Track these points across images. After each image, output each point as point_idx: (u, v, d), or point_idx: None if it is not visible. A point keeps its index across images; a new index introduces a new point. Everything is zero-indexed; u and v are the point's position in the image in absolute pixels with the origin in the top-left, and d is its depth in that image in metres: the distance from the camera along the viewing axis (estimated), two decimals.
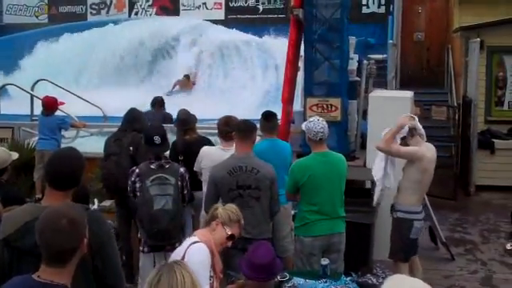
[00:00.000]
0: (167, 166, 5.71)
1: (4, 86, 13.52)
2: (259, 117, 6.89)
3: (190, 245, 4.07)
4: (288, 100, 9.09)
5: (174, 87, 20.22)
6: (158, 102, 10.29)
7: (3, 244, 3.18)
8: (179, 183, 5.67)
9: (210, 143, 7.14)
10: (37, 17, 25.47)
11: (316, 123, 5.74)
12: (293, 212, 6.71)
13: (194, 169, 6.52)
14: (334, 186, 5.74)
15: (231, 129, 6.23)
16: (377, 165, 6.42)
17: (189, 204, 6.28)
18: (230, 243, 4.32)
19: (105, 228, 3.37)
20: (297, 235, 5.88)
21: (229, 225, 4.28)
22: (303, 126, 5.93)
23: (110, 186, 6.95)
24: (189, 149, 7.01)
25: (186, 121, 7.47)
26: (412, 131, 6.15)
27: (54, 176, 3.37)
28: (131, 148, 6.54)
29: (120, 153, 6.85)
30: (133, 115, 7.22)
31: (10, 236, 3.16)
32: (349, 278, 4.92)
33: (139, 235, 5.78)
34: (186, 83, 20.34)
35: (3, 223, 3.25)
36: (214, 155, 6.31)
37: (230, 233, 4.26)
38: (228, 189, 5.54)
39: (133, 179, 5.72)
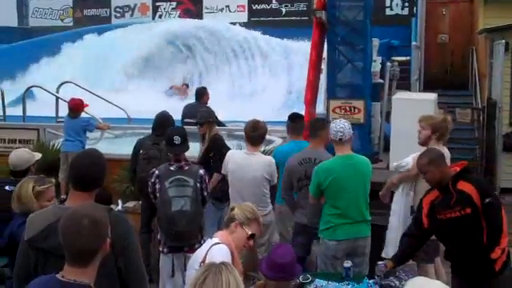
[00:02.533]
0: (186, 168, 5.73)
1: (30, 88, 13.65)
2: (282, 118, 6.91)
3: (212, 246, 4.08)
4: (311, 102, 9.10)
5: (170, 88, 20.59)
6: (200, 94, 10.11)
7: (28, 245, 3.23)
8: (198, 185, 5.69)
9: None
10: (62, 20, 25.77)
11: (337, 124, 5.72)
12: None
13: (221, 171, 6.54)
14: (358, 189, 5.69)
15: (258, 134, 6.29)
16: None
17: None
18: (251, 242, 4.32)
19: (128, 229, 3.40)
20: (321, 238, 5.86)
21: (247, 224, 4.29)
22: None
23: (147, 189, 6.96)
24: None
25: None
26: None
27: (76, 177, 3.42)
28: (169, 154, 6.58)
29: (160, 157, 6.91)
30: (166, 119, 7.32)
31: (34, 237, 3.20)
32: (372, 281, 4.89)
33: (159, 236, 5.81)
34: (182, 90, 20.60)
35: (27, 225, 3.29)
36: (238, 159, 6.34)
37: (249, 232, 4.27)
38: (298, 178, 6.09)
39: (153, 180, 5.76)
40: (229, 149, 7.03)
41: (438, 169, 4.89)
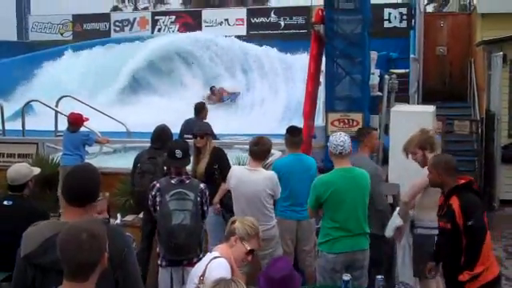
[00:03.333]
0: (187, 182, 5.74)
1: (29, 102, 13.67)
2: (280, 131, 6.92)
3: (211, 260, 4.07)
4: (309, 115, 9.12)
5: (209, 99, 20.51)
6: (199, 109, 10.06)
7: (25, 261, 3.20)
8: (199, 199, 5.69)
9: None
10: (61, 34, 25.87)
11: (337, 137, 5.72)
12: (316, 227, 6.71)
13: (226, 186, 6.56)
14: (357, 202, 5.69)
15: (260, 149, 6.33)
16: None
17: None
18: (250, 258, 4.31)
19: (125, 242, 3.38)
20: (320, 251, 5.86)
21: (247, 239, 4.28)
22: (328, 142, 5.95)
23: (143, 203, 6.97)
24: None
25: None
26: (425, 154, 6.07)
27: (70, 192, 3.39)
28: (165, 167, 6.55)
29: (155, 172, 6.90)
30: (164, 133, 7.30)
31: (31, 253, 3.18)
32: None
33: (157, 249, 5.81)
34: (212, 97, 20.52)
35: (24, 241, 3.26)
36: (240, 174, 6.35)
37: (249, 248, 4.26)
38: None
39: (153, 193, 5.76)
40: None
41: (438, 174, 4.95)
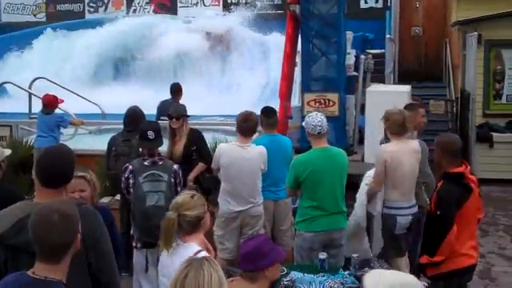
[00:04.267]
0: (160, 163, 5.71)
1: (2, 84, 13.50)
2: (256, 112, 6.88)
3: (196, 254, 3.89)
4: (285, 95, 9.11)
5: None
6: (176, 90, 10.01)
7: None
8: (172, 180, 5.66)
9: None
10: (35, 15, 25.44)
11: (314, 117, 5.72)
12: (293, 206, 6.73)
13: (212, 166, 6.47)
14: (334, 181, 5.70)
15: (249, 125, 6.29)
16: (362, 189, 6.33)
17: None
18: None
19: (98, 223, 3.36)
20: (298, 230, 5.87)
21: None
22: (303, 123, 5.92)
23: (119, 185, 6.91)
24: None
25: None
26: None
27: (44, 174, 3.35)
28: (140, 149, 6.50)
29: (130, 153, 6.85)
30: (137, 115, 7.22)
31: (3, 234, 3.14)
32: (346, 272, 4.91)
33: (131, 231, 5.77)
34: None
35: None
36: (232, 152, 6.28)
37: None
38: None
39: (126, 175, 5.71)
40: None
41: (438, 153, 4.94)
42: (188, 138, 7.01)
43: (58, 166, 3.36)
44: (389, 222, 5.97)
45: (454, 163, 4.88)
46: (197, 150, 6.97)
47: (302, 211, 5.78)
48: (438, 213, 4.75)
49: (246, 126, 6.29)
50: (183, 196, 3.96)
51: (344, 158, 5.86)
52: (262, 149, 6.34)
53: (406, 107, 6.59)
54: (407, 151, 6.01)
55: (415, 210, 6.06)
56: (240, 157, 6.17)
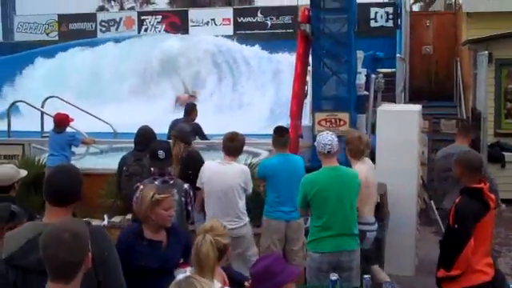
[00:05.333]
0: (171, 182, 5.70)
1: (14, 103, 13.59)
2: (268, 131, 6.91)
3: None
4: (296, 114, 9.12)
5: (176, 102, 20.47)
6: (189, 110, 10.03)
7: (6, 263, 3.18)
8: (183, 199, 5.66)
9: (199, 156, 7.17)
10: (47, 34, 25.69)
11: (324, 136, 5.73)
12: (305, 226, 6.73)
13: (197, 184, 6.41)
14: (343, 202, 5.65)
15: (234, 145, 6.34)
16: None
17: None
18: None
19: (107, 242, 3.38)
20: (308, 250, 5.86)
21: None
22: (315, 143, 5.96)
23: (130, 205, 6.89)
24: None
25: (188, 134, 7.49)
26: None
27: (52, 193, 3.39)
28: (152, 169, 6.52)
29: (142, 173, 6.84)
30: (148, 134, 7.22)
31: (12, 255, 3.16)
32: None
33: None
34: (187, 100, 20.49)
35: (5, 242, 3.24)
36: (213, 168, 6.33)
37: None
38: (442, 169, 6.97)
39: (137, 195, 5.72)
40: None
41: (459, 170, 4.98)
42: (183, 162, 6.94)
43: (66, 185, 3.40)
44: (360, 237, 5.95)
45: (474, 180, 4.91)
46: (192, 173, 6.71)
47: (312, 231, 5.77)
48: (456, 227, 4.75)
49: (231, 145, 6.36)
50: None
51: (354, 178, 5.83)
52: (244, 167, 6.41)
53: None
54: (372, 169, 6.38)
55: (376, 225, 6.36)
56: (220, 172, 6.18)
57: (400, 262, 7.32)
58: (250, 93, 20.72)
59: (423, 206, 9.01)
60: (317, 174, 5.78)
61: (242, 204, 6.29)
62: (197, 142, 9.78)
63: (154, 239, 4.41)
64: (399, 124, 7.36)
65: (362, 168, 6.21)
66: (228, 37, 22.44)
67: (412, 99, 14.23)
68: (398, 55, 14.14)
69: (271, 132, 6.99)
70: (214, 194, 6.23)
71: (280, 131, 6.79)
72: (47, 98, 13.32)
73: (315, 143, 5.86)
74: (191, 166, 6.84)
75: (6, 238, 3.27)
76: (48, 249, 2.74)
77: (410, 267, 7.57)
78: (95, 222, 8.09)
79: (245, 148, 8.80)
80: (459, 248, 4.73)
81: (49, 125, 10.55)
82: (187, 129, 7.68)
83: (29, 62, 22.81)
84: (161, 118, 11.54)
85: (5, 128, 12.36)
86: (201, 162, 6.84)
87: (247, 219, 6.35)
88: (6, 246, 3.21)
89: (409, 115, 8.00)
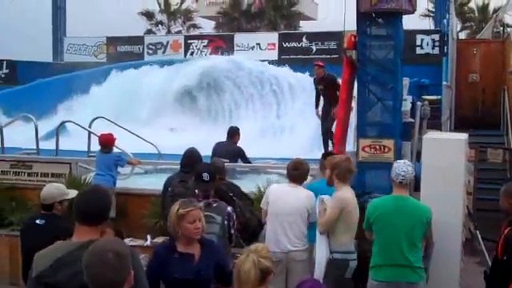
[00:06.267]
0: (214, 205, 5.75)
1: (63, 122, 13.89)
2: (311, 156, 6.94)
3: None
4: (340, 140, 9.09)
5: None
6: (232, 133, 10.23)
7: (36, 281, 3.27)
8: (226, 222, 5.70)
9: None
10: (96, 56, 26.28)
11: (401, 166, 5.78)
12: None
13: (261, 205, 6.58)
14: (401, 233, 5.62)
15: (299, 173, 6.44)
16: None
17: None
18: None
19: (138, 261, 3.50)
20: (369, 276, 5.86)
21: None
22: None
23: None
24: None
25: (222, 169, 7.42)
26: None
27: (80, 212, 3.52)
28: (196, 191, 6.58)
29: (186, 194, 6.89)
30: (194, 156, 7.30)
31: (42, 273, 3.26)
32: None
33: None
34: None
35: (35, 261, 3.35)
36: (280, 190, 6.48)
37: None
38: None
39: None
40: (235, 194, 6.89)
41: (505, 200, 5.03)
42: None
43: (94, 206, 3.54)
44: (341, 265, 5.92)
45: None
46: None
47: (373, 256, 5.80)
48: (505, 258, 4.69)
49: (295, 173, 6.46)
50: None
51: (421, 211, 5.80)
52: (311, 193, 6.40)
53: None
54: (354, 197, 6.22)
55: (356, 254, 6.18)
56: (287, 195, 6.31)
57: None
58: (293, 117, 20.73)
59: (468, 235, 8.85)
60: (383, 199, 5.88)
61: (304, 228, 6.34)
62: (239, 165, 9.86)
63: (185, 252, 4.53)
64: (445, 152, 7.27)
65: (344, 195, 6.10)
66: (273, 62, 22.56)
67: (457, 127, 14.07)
68: (444, 83, 14.00)
69: (314, 157, 7.02)
70: (279, 215, 6.30)
71: (327, 156, 6.81)
72: (94, 119, 13.57)
73: (391, 169, 5.90)
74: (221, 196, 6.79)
75: (37, 257, 3.39)
76: (92, 268, 2.81)
77: None
78: (138, 242, 8.22)
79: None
80: (508, 279, 4.66)
81: (95, 145, 10.75)
82: (221, 164, 7.62)
83: (78, 82, 23.28)
84: (205, 140, 11.63)
85: (53, 147, 12.62)
86: (227, 195, 6.79)
87: (308, 245, 6.39)
88: (37, 265, 3.32)
89: (455, 143, 7.89)
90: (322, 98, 12.45)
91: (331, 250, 6.10)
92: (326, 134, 12.02)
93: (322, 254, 6.03)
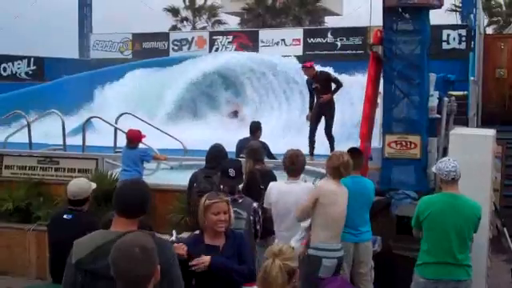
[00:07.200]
0: (240, 201, 5.78)
1: (90, 118, 13.99)
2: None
3: None
4: (366, 136, 9.04)
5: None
6: (254, 129, 10.22)
7: (75, 268, 3.31)
8: (251, 218, 5.72)
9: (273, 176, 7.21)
10: (121, 52, 26.48)
11: (447, 163, 5.73)
12: (373, 249, 6.68)
13: (264, 205, 6.48)
14: (452, 231, 5.59)
15: (296, 167, 6.40)
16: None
17: None
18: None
19: (170, 253, 3.51)
20: (415, 272, 5.83)
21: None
22: (433, 169, 5.93)
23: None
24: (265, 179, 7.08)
25: (259, 151, 7.57)
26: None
27: (120, 205, 3.55)
28: (222, 187, 6.60)
29: (211, 190, 6.92)
30: (220, 152, 7.32)
31: (82, 259, 3.30)
32: None
33: None
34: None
35: (74, 248, 3.39)
36: (280, 188, 6.42)
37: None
38: None
39: None
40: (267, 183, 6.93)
41: None
42: (247, 181, 6.95)
43: (135, 198, 3.57)
44: (312, 263, 5.88)
45: None
46: (252, 192, 6.70)
47: (420, 254, 5.77)
48: None
49: (293, 168, 6.40)
50: (282, 245, 3.84)
51: (473, 209, 5.73)
52: (310, 184, 6.48)
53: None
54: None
55: (341, 253, 6.06)
56: (287, 192, 6.28)
57: None
58: None
59: (495, 232, 8.76)
60: (435, 197, 5.85)
61: (309, 222, 6.29)
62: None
63: (211, 244, 4.60)
64: (472, 148, 7.21)
65: (323, 186, 6.13)
66: (298, 57, 22.52)
67: (484, 123, 13.91)
68: (471, 78, 13.85)
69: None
70: (282, 213, 6.27)
71: (352, 153, 6.77)
72: (121, 115, 13.65)
73: (435, 170, 5.84)
74: (252, 185, 6.98)
75: (76, 243, 3.42)
76: (120, 265, 2.83)
77: None
78: (164, 237, 8.27)
79: (313, 169, 8.83)
80: None
81: (122, 140, 10.82)
82: (256, 145, 7.75)
83: (104, 79, 23.45)
84: (228, 136, 11.63)
85: (80, 143, 12.72)
86: (259, 183, 6.97)
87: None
88: (76, 251, 3.35)
89: (483, 140, 7.82)
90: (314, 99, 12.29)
91: (309, 244, 6.08)
92: (330, 134, 12.01)
93: (295, 246, 5.97)
